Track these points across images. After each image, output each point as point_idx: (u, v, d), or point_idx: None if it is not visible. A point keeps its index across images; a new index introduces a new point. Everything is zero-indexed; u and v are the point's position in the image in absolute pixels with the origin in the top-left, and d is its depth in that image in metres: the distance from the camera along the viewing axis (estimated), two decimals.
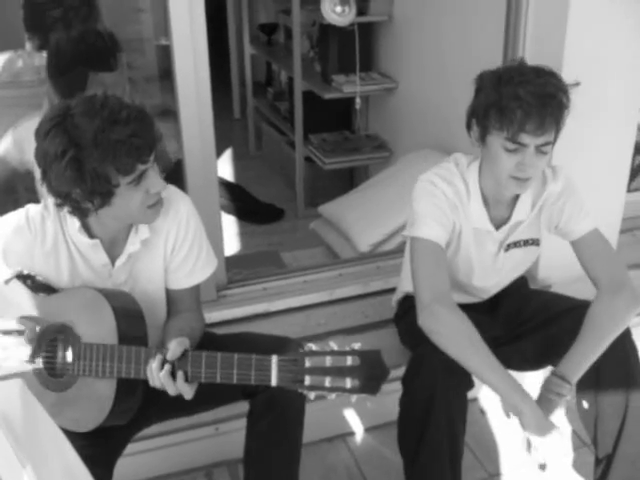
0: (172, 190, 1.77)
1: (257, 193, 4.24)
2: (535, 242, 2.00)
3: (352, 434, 2.39)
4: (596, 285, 1.90)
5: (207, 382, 1.54)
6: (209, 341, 1.81)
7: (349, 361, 1.40)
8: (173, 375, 1.53)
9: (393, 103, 3.72)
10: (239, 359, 1.50)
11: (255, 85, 4.99)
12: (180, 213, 1.73)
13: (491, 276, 2.04)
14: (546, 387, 1.82)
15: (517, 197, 1.91)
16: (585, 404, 1.94)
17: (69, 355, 1.62)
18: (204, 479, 2.23)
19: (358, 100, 3.53)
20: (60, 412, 1.65)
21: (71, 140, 1.47)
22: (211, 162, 2.40)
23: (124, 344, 1.58)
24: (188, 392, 1.54)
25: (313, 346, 1.45)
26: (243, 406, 1.80)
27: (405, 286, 2.15)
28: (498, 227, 1.93)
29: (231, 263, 2.79)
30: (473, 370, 1.74)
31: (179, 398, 1.58)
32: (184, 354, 1.53)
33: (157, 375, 1.52)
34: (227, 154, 5.08)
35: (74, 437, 1.61)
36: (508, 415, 1.76)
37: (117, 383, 1.59)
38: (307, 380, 1.41)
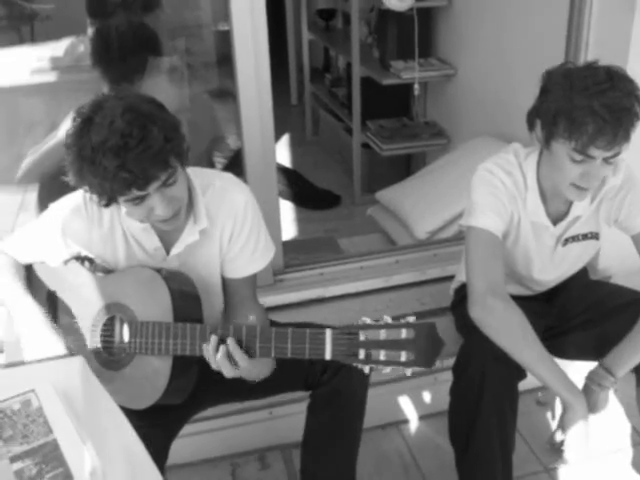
0: (228, 178, 1.75)
1: (314, 179, 4.24)
2: (594, 236, 1.94)
3: (406, 422, 2.39)
4: None
5: (261, 356, 1.54)
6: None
7: (404, 334, 1.40)
8: (229, 358, 1.53)
9: (452, 90, 3.67)
10: (293, 332, 1.50)
11: (313, 71, 4.97)
12: (236, 203, 1.70)
13: (550, 270, 2.00)
14: (590, 377, 1.81)
15: None
16: None
17: (125, 333, 1.64)
18: (257, 463, 2.25)
19: (417, 86, 3.48)
20: (117, 390, 1.65)
21: (76, 144, 1.44)
22: (270, 147, 2.40)
23: (180, 320, 1.59)
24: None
25: (367, 319, 1.44)
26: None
27: (463, 275, 2.11)
28: (556, 222, 1.88)
29: (288, 248, 2.79)
30: (525, 364, 1.72)
31: (236, 383, 1.59)
32: (277, 332, 1.51)
33: (213, 355, 1.53)
34: (284, 140, 5.08)
35: (131, 416, 1.64)
36: (539, 402, 1.75)
37: (172, 361, 1.61)
38: (361, 353, 1.41)
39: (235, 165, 2.53)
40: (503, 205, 1.82)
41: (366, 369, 1.43)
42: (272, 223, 2.42)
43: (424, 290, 2.59)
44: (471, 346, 1.81)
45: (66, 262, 1.72)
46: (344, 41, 4.08)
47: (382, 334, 1.41)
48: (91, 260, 1.74)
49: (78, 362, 1.29)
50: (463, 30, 3.50)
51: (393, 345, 1.41)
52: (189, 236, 1.68)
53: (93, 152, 1.40)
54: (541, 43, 2.79)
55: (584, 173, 1.67)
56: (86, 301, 1.70)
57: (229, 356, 1.53)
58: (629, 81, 1.63)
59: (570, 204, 1.86)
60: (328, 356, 1.45)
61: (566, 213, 1.87)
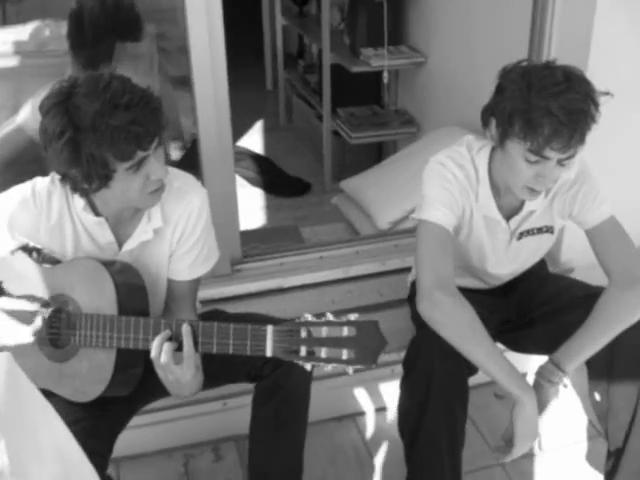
0: (189, 181, 1.74)
1: (285, 166, 4.21)
2: (549, 229, 1.93)
3: (362, 414, 2.38)
4: (608, 277, 1.83)
5: (204, 352, 1.54)
6: (216, 318, 1.79)
7: (345, 332, 1.39)
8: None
9: (422, 78, 3.64)
10: (235, 329, 1.50)
11: (287, 57, 4.92)
12: (192, 205, 1.70)
13: (505, 264, 1.98)
14: (540, 373, 1.80)
15: None
16: (597, 396, 1.88)
17: (71, 326, 1.62)
18: (211, 454, 2.23)
19: (386, 74, 3.45)
20: (62, 383, 1.67)
21: (70, 121, 1.43)
22: (226, 134, 2.35)
23: (125, 314, 1.58)
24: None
25: (309, 316, 1.43)
26: None
27: None
28: (509, 216, 1.86)
29: (249, 237, 2.78)
30: (473, 359, 1.69)
31: None
32: (219, 327, 1.52)
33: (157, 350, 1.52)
34: (258, 126, 5.04)
35: (76, 408, 1.64)
36: (497, 396, 1.74)
37: (116, 354, 1.59)
38: (303, 351, 1.40)
39: (193, 154, 2.49)
40: (454, 198, 1.79)
41: (307, 366, 1.42)
42: (229, 211, 2.41)
43: (383, 281, 2.58)
44: (420, 340, 1.79)
45: (13, 252, 1.69)
46: (317, 27, 4.02)
47: (324, 331, 1.41)
48: (39, 251, 1.71)
49: (4, 358, 1.25)
50: (433, 18, 3.47)
51: (335, 343, 1.40)
52: (143, 233, 1.67)
53: (95, 118, 1.40)
54: (507, 35, 2.77)
55: (538, 175, 1.65)
56: (32, 292, 1.67)
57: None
58: (586, 83, 1.61)
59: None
60: (269, 353, 1.45)
61: (520, 208, 1.85)
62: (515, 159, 1.66)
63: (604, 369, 1.81)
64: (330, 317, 1.42)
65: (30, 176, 1.72)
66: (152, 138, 1.47)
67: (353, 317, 1.41)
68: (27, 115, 2.48)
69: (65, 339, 1.64)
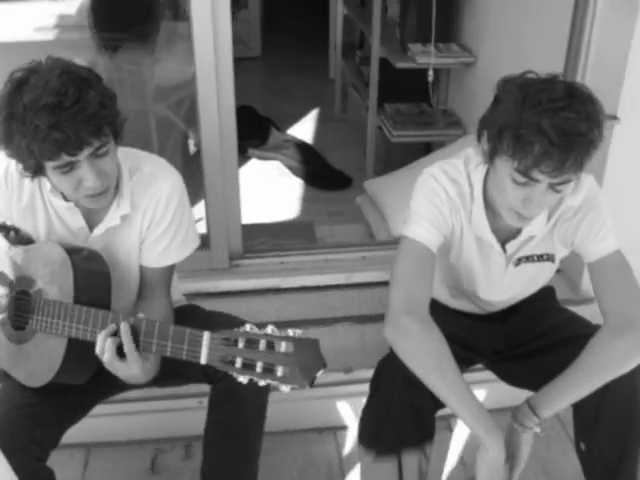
0: (160, 166, 1.70)
1: (331, 157, 4.13)
2: (550, 258, 1.77)
3: (344, 428, 2.27)
4: (603, 318, 1.66)
5: (144, 351, 1.48)
6: (190, 316, 1.77)
7: (283, 347, 1.30)
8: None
9: (471, 79, 3.47)
10: (174, 331, 1.43)
11: (348, 47, 4.82)
12: (161, 191, 1.65)
13: (498, 291, 1.83)
14: (514, 415, 1.65)
15: None
16: (583, 445, 1.73)
17: (30, 309, 1.60)
18: (182, 450, 2.19)
19: (431, 72, 3.28)
20: (16, 364, 1.66)
21: (10, 102, 1.39)
22: (230, 125, 2.26)
23: (81, 302, 1.54)
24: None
25: (248, 327, 1.34)
26: None
27: None
28: (506, 240, 1.71)
29: (260, 230, 2.71)
30: (437, 393, 1.55)
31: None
32: (161, 326, 1.45)
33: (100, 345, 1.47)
34: (313, 114, 4.98)
35: (29, 393, 1.63)
36: None
37: (67, 342, 1.56)
38: (238, 362, 1.32)
39: None
40: (443, 216, 1.66)
41: (242, 379, 1.34)
42: (231, 205, 2.34)
43: (386, 291, 2.45)
44: (386, 365, 1.68)
45: None
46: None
47: (261, 345, 1.32)
48: (17, 230, 1.70)
49: None
50: (485, 17, 3.31)
51: (271, 358, 1.31)
52: (111, 219, 1.64)
53: (25, 110, 1.36)
54: (559, 40, 2.58)
55: (526, 199, 1.49)
56: (2, 271, 1.66)
57: (119, 347, 1.47)
58: (592, 103, 1.44)
59: None
60: (203, 360, 1.38)
61: (518, 232, 1.69)
62: (503, 179, 1.51)
63: (590, 417, 1.66)
64: (270, 330, 1.34)
65: None
66: (79, 145, 1.39)
67: (292, 333, 1.32)
68: None
69: (24, 322, 1.62)
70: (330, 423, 2.27)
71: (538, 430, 1.63)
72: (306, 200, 3.79)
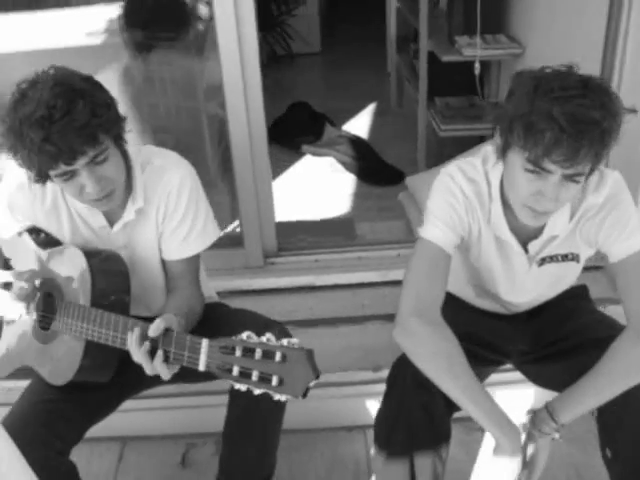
0: (170, 159, 1.74)
1: (385, 152, 4.11)
2: (575, 258, 1.70)
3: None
4: (627, 321, 1.60)
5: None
6: (215, 313, 1.81)
7: (278, 357, 1.30)
8: (153, 353, 1.47)
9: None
10: (177, 337, 1.45)
11: (402, 40, 4.76)
12: (171, 183, 1.69)
13: (522, 292, 1.79)
14: (532, 419, 1.61)
15: None
16: (608, 452, 1.65)
17: (53, 311, 1.66)
18: (213, 446, 2.23)
19: (477, 65, 3.23)
20: (42, 363, 1.73)
21: (9, 116, 1.45)
22: (259, 121, 2.27)
23: (99, 303, 1.59)
24: (166, 374, 1.47)
25: (245, 335, 1.35)
26: None
27: None
28: (527, 241, 1.66)
29: (299, 228, 2.72)
30: (450, 395, 1.53)
31: None
32: (167, 333, 1.46)
33: (136, 350, 1.47)
34: (370, 108, 4.97)
35: (53, 390, 1.70)
36: None
37: (85, 344, 1.61)
38: (235, 370, 1.33)
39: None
40: (459, 216, 1.63)
41: (240, 387, 1.35)
42: (264, 205, 2.36)
43: None
44: (399, 366, 1.66)
45: (20, 234, 1.76)
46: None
47: (258, 353, 1.32)
48: (46, 233, 1.76)
49: None
50: (534, 7, 3.21)
51: (267, 367, 1.32)
52: (127, 214, 1.69)
53: (21, 124, 1.41)
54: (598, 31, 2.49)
55: (538, 191, 1.44)
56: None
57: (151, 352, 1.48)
58: (607, 94, 1.38)
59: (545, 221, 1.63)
60: (202, 367, 1.39)
61: (540, 231, 1.65)
62: (515, 172, 1.46)
63: (615, 424, 1.60)
64: (266, 339, 1.34)
65: None
66: (72, 155, 1.44)
67: (287, 342, 1.32)
68: None
69: (49, 323, 1.68)
70: (359, 422, 2.26)
71: (557, 436, 1.59)
72: (358, 196, 3.78)
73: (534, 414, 1.61)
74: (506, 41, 3.36)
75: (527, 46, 3.28)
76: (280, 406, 1.76)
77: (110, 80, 2.38)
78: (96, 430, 2.19)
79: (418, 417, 1.59)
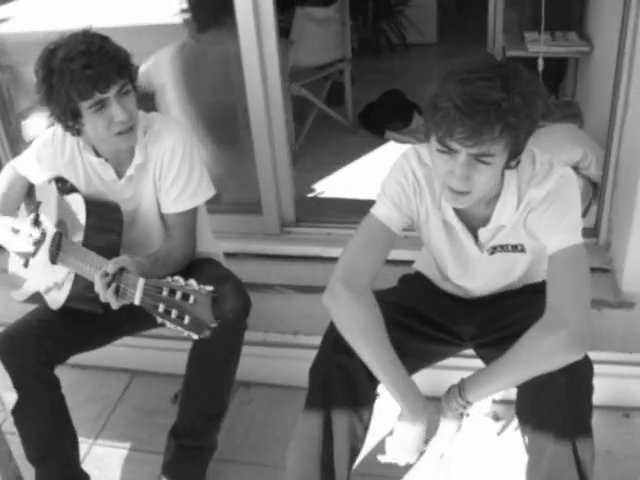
0: (168, 124, 2.00)
1: None
2: (523, 249, 1.74)
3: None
4: (544, 312, 1.59)
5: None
6: (204, 265, 2.07)
7: (191, 299, 1.52)
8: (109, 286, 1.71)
9: (590, 69, 3.33)
10: (126, 276, 1.68)
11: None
12: (165, 145, 1.94)
13: (472, 278, 1.84)
14: (445, 395, 1.69)
15: (498, 195, 1.65)
16: (526, 439, 1.68)
17: (58, 247, 1.93)
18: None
19: (540, 62, 3.21)
20: (47, 290, 2.00)
21: (47, 64, 1.75)
22: (276, 97, 2.44)
23: (92, 230, 1.88)
24: (114, 303, 1.70)
25: (171, 278, 1.56)
26: None
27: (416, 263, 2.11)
28: (477, 226, 1.71)
29: (329, 205, 2.86)
30: (364, 361, 1.64)
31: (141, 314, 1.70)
32: (121, 271, 1.70)
33: (97, 281, 1.72)
34: None
35: (52, 313, 1.96)
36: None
37: (74, 275, 1.87)
38: (161, 307, 1.55)
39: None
40: (406, 196, 1.71)
41: (163, 322, 1.56)
42: (282, 178, 2.54)
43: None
44: (329, 328, 1.76)
45: (50, 181, 2.06)
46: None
47: (178, 295, 1.54)
48: (68, 181, 2.05)
49: None
50: (605, 6, 3.13)
51: (183, 307, 1.53)
52: (130, 170, 1.96)
53: (61, 62, 1.74)
54: None
55: (450, 171, 1.51)
56: (49, 215, 2.04)
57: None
58: (520, 79, 1.42)
59: (492, 209, 1.68)
60: (137, 301, 1.62)
61: (488, 219, 1.70)
62: (433, 153, 1.54)
63: (529, 412, 1.65)
64: (185, 283, 1.54)
65: None
66: (107, 82, 1.73)
67: (199, 287, 1.52)
68: (145, 68, 2.78)
69: (56, 256, 1.95)
70: None
71: (465, 412, 1.67)
72: None
73: (447, 390, 1.69)
74: (575, 39, 3.33)
75: (595, 45, 3.22)
76: (230, 350, 1.95)
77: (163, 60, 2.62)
78: (110, 361, 2.49)
79: (334, 375, 1.69)
